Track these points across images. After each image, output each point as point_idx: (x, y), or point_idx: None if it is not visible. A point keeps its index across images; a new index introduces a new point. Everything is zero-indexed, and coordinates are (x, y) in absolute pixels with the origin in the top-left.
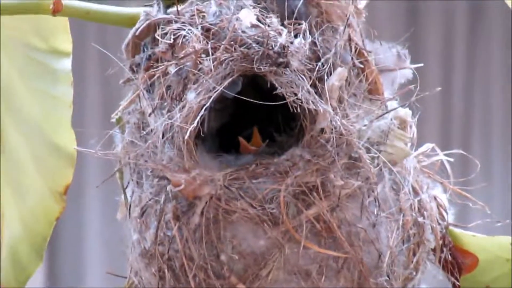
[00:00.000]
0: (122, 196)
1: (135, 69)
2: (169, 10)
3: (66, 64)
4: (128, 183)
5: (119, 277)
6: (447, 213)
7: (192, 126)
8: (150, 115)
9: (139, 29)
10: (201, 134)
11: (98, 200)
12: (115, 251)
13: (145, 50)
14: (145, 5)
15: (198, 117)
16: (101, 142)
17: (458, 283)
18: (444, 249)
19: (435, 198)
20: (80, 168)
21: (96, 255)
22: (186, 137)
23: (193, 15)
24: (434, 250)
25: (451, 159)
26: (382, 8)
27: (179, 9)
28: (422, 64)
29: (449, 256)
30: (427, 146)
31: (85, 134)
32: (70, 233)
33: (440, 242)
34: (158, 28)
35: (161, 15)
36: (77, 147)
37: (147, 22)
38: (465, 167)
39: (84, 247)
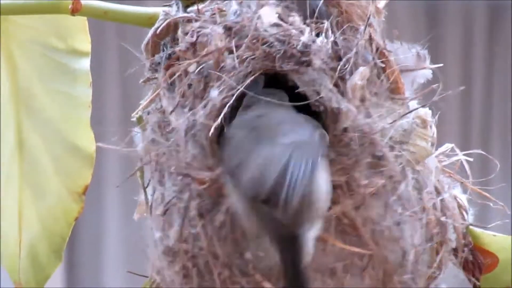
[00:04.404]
0: (141, 196)
1: (155, 68)
2: (189, 9)
3: (85, 64)
4: (149, 181)
5: (139, 276)
6: (467, 213)
7: (215, 123)
8: (171, 113)
9: (159, 29)
10: (224, 132)
11: (117, 199)
12: (134, 251)
13: (165, 49)
14: (164, 5)
15: (221, 115)
16: (124, 140)
17: (478, 283)
18: (465, 249)
19: (455, 198)
20: (99, 167)
21: (115, 255)
22: (210, 134)
23: (214, 13)
24: (455, 249)
25: (471, 159)
26: (402, 8)
27: (199, 7)
28: (442, 65)
29: (470, 256)
30: (446, 146)
31: (105, 133)
32: (89, 232)
33: (462, 241)
34: (178, 27)
35: (181, 14)
36: (96, 147)
37: (167, 21)
38: (484, 167)
39: (103, 246)
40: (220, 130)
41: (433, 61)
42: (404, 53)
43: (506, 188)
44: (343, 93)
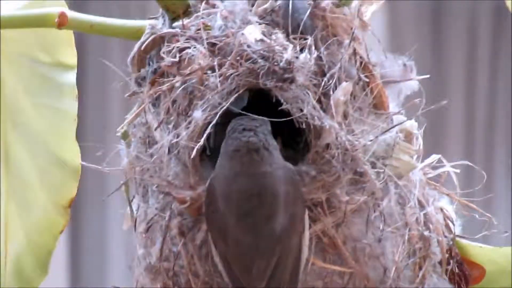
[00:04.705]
0: (127, 209)
1: (140, 82)
2: (175, 24)
3: (71, 77)
4: (134, 196)
5: None
6: (454, 224)
7: (198, 144)
8: (156, 129)
9: (145, 43)
10: (207, 152)
11: (120, 208)
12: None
13: (151, 63)
14: (150, 18)
15: (204, 135)
16: (108, 157)
17: None
18: (451, 261)
19: (441, 210)
20: (101, 177)
21: (118, 259)
22: (192, 155)
23: (199, 29)
24: (440, 262)
25: (457, 170)
26: (407, 11)
27: (184, 23)
28: (428, 76)
29: (456, 268)
30: (433, 158)
31: (93, 146)
32: (93, 237)
33: (447, 254)
34: (164, 41)
35: (166, 29)
36: (85, 161)
37: (153, 36)
38: (474, 177)
39: (106, 251)
40: (204, 148)
41: (437, 64)
42: (390, 65)
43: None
44: (326, 110)
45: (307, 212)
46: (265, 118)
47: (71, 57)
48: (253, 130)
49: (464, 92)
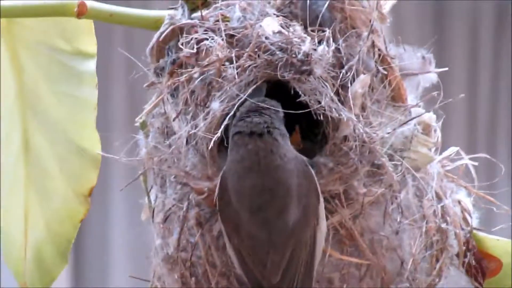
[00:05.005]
0: (146, 199)
1: (159, 73)
2: (193, 15)
3: (91, 66)
4: (152, 187)
5: (142, 280)
6: (471, 217)
7: (216, 135)
8: (174, 120)
9: (164, 34)
10: (225, 143)
11: (123, 202)
12: (139, 254)
13: (170, 54)
14: (169, 8)
15: (222, 126)
16: (126, 148)
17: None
18: (468, 254)
19: (459, 203)
20: (105, 170)
21: (121, 258)
22: (210, 146)
23: (217, 20)
24: (458, 255)
25: (476, 163)
26: (409, 10)
27: (203, 14)
28: (447, 68)
29: (473, 261)
30: (451, 150)
31: (110, 137)
32: (95, 235)
33: (464, 247)
34: (183, 32)
35: (185, 20)
36: (101, 150)
37: (172, 26)
38: (491, 170)
39: (109, 249)
40: (222, 139)
41: (439, 64)
42: (409, 57)
43: None
44: (344, 102)
45: (323, 204)
46: (274, 101)
47: (91, 46)
48: (258, 111)
49: (466, 92)
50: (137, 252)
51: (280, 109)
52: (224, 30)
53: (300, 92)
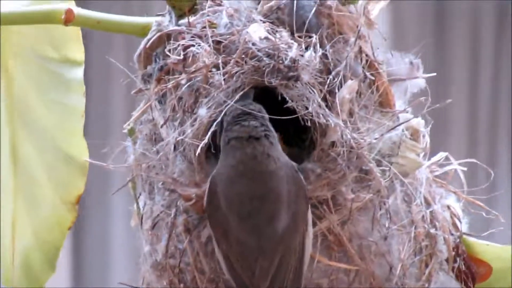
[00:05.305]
0: (135, 205)
1: (147, 79)
2: (181, 21)
3: (79, 73)
4: (140, 193)
5: (132, 287)
6: (460, 222)
7: (203, 142)
8: (162, 126)
9: (151, 40)
10: (212, 149)
11: (123, 202)
12: (139, 254)
13: (157, 60)
14: (157, 15)
15: (209, 132)
16: (113, 155)
17: None
18: (458, 259)
19: (448, 208)
20: (105, 170)
21: (121, 258)
22: (197, 153)
23: (204, 26)
24: (447, 260)
25: (464, 168)
26: (409, 10)
27: (190, 20)
28: (435, 74)
29: (463, 266)
30: (440, 156)
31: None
32: (95, 235)
33: (453, 252)
34: (170, 38)
35: (172, 27)
36: (99, 155)
37: (159, 33)
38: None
39: (109, 249)
40: (209, 145)
41: (440, 63)
42: (397, 63)
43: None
44: (331, 107)
45: (310, 209)
46: (259, 105)
47: (79, 53)
48: (252, 114)
49: (467, 92)
50: (137, 253)
51: (266, 114)
52: (211, 37)
53: (287, 98)
